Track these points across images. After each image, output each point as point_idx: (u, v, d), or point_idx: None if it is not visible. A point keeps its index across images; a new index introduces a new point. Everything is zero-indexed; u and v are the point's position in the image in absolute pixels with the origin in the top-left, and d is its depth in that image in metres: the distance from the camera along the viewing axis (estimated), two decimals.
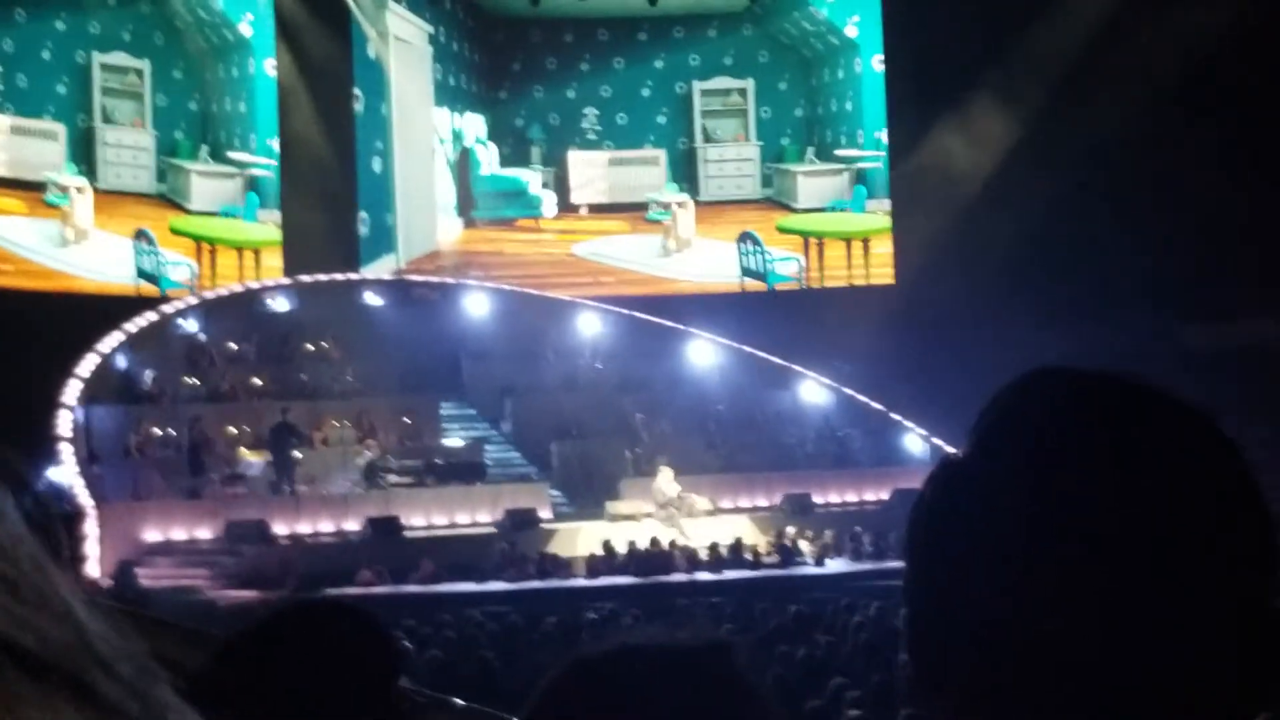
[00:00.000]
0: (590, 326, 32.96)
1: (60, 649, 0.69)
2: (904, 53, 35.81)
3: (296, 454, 26.50)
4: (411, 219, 36.44)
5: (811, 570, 23.71)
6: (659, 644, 1.51)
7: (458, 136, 37.60)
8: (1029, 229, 32.13)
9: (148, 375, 28.82)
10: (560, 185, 37.98)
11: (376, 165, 36.03)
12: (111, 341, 28.13)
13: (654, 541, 24.12)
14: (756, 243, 37.14)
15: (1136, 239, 31.80)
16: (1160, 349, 28.66)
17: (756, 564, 23.81)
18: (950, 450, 1.29)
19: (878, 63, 37.19)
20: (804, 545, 24.81)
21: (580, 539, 24.76)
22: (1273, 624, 1.16)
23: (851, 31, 37.66)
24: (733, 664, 1.50)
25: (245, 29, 34.99)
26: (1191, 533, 1.15)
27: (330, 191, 34.68)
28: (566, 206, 37.86)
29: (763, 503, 27.68)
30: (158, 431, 27.37)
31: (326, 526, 25.50)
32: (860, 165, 37.43)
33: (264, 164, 34.76)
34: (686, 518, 25.50)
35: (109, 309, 29.60)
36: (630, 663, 1.48)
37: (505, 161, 37.84)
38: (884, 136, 37.02)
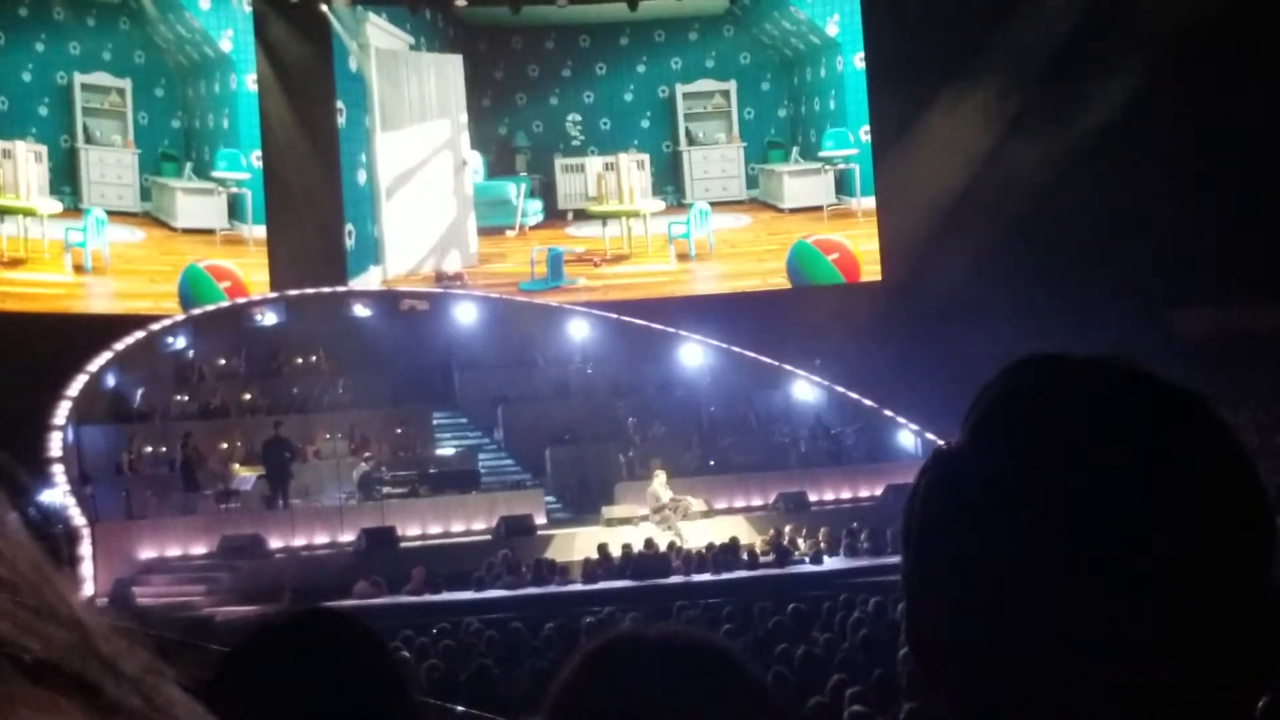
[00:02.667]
0: (580, 331, 32.98)
1: (63, 650, 0.69)
2: (885, 50, 35.83)
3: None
4: (399, 230, 36.45)
5: (808, 568, 23.67)
6: (667, 633, 1.53)
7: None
8: (1014, 221, 32.20)
9: (138, 393, 28.79)
10: (546, 191, 38.01)
11: (361, 177, 36.02)
12: (100, 360, 28.10)
13: (650, 544, 24.11)
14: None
15: (1122, 229, 31.88)
16: (1149, 337, 28.76)
17: (753, 564, 23.77)
18: (942, 442, 1.29)
19: (859, 60, 37.23)
20: (800, 543, 24.80)
21: (576, 544, 24.73)
22: (1272, 602, 1.16)
23: (832, 30, 37.69)
24: (738, 656, 1.53)
25: (225, 45, 34.97)
26: (1188, 513, 1.15)
27: (315, 205, 34.67)
28: (553, 213, 37.88)
29: (757, 502, 27.68)
30: (150, 449, 27.34)
31: (321, 539, 25.48)
32: (840, 165, 37.50)
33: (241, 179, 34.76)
34: (682, 520, 25.49)
35: (96, 328, 29.57)
36: (644, 651, 1.50)
37: (490, 170, 37.85)
38: (866, 134, 37.06)
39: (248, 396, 29.99)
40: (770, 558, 24.15)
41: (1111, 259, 32.12)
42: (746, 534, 25.29)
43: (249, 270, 34.33)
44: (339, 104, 35.71)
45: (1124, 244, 31.91)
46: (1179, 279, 31.93)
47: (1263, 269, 30.99)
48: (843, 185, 37.45)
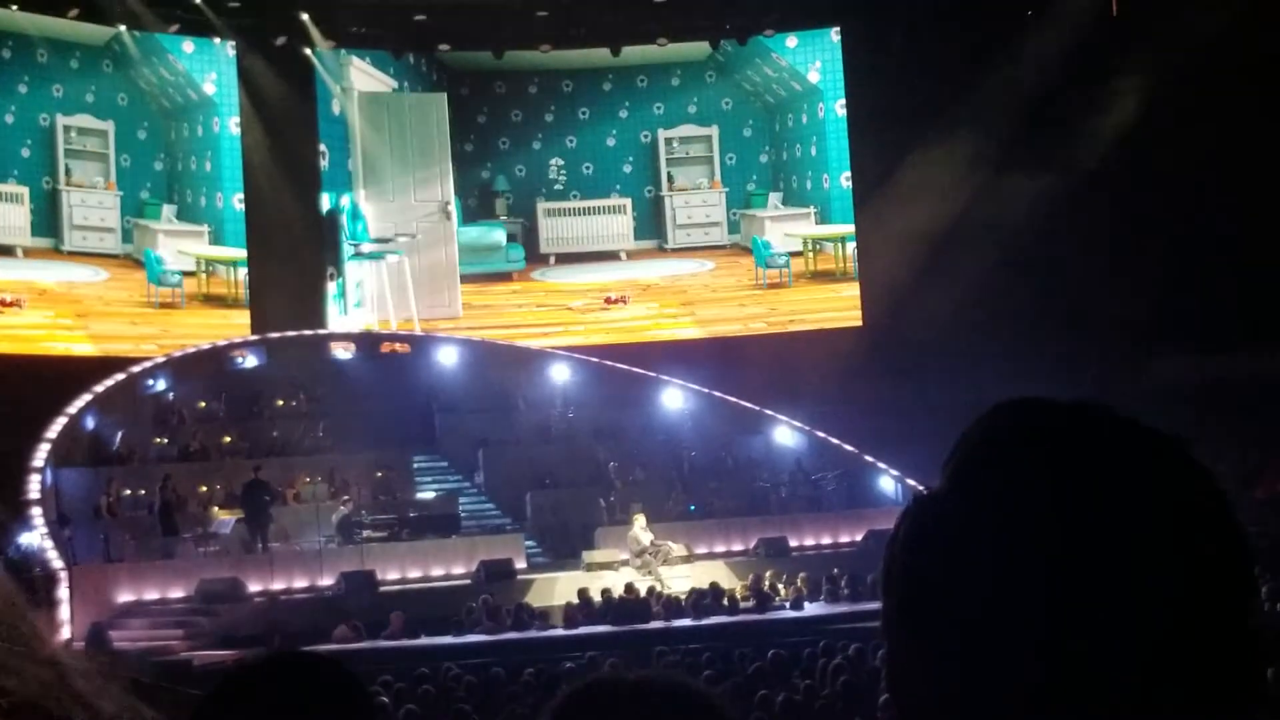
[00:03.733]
0: (562, 375, 32.94)
1: (40, 688, 0.69)
2: (866, 97, 36.02)
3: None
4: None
5: (789, 614, 23.64)
6: (646, 678, 1.54)
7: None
8: (994, 268, 32.27)
9: (117, 436, 28.68)
10: (528, 236, 38.06)
11: (343, 220, 36.01)
12: (79, 403, 27.99)
13: (630, 589, 24.04)
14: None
15: (1103, 275, 31.97)
16: (1129, 384, 28.81)
17: (733, 609, 23.72)
18: (923, 488, 1.29)
19: (840, 107, 37.40)
20: (780, 589, 24.75)
21: (557, 589, 24.66)
22: (1253, 645, 1.16)
23: (814, 77, 37.87)
24: (716, 702, 1.53)
25: (209, 88, 35.03)
26: (1168, 559, 1.15)
27: (296, 247, 34.64)
28: (535, 257, 37.94)
29: (738, 547, 27.62)
30: (128, 492, 27.21)
31: (301, 583, 25.36)
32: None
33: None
34: (662, 565, 25.43)
35: (75, 370, 29.48)
36: (624, 695, 1.51)
37: (471, 214, 37.87)
38: (848, 180, 37.20)
39: (227, 439, 29.90)
40: (751, 603, 24.11)
41: (1092, 305, 32.21)
42: (727, 579, 25.24)
43: (230, 315, 34.36)
44: (322, 147, 35.75)
45: (1105, 290, 32.00)
46: (1159, 326, 32.01)
47: (1243, 317, 31.08)
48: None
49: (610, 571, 25.21)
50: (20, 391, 26.82)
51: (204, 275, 34.91)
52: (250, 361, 31.73)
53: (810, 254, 37.80)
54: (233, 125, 34.95)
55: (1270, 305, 30.59)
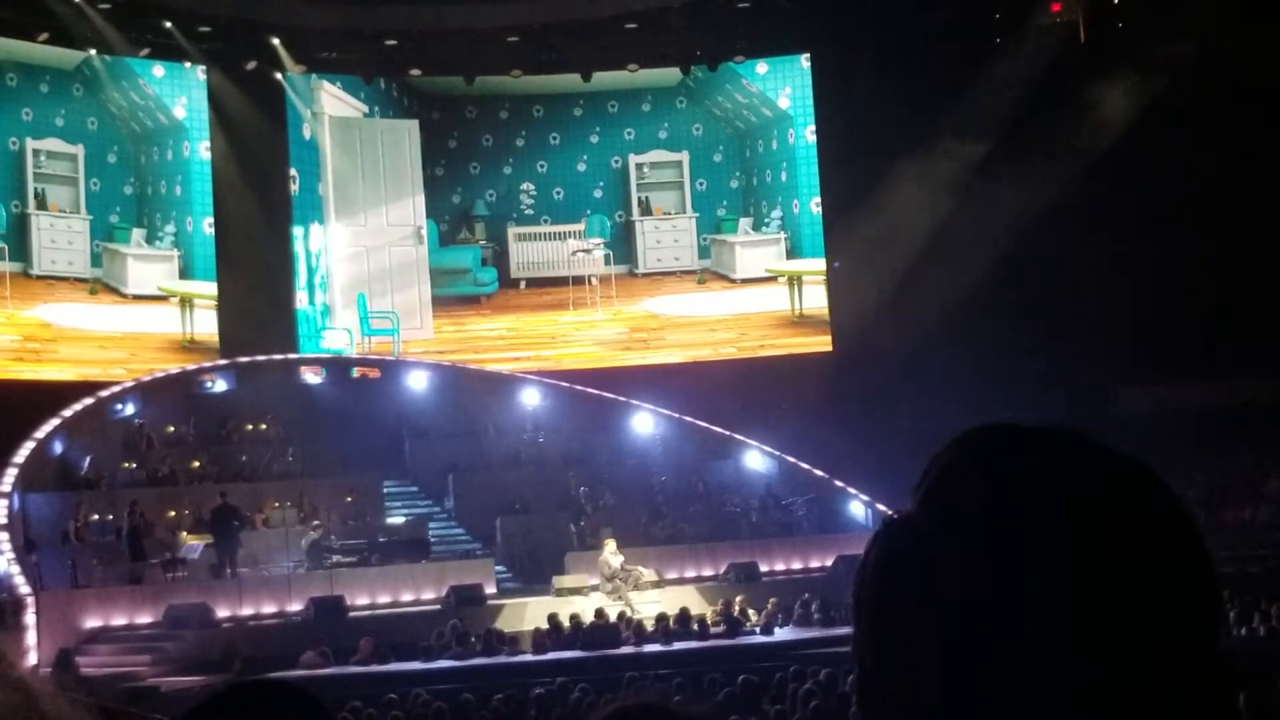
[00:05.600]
0: (532, 400, 32.93)
1: (6, 712, 0.69)
2: (836, 123, 36.15)
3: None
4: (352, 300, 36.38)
5: (759, 639, 23.61)
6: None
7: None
8: (964, 294, 32.40)
9: (85, 461, 28.52)
10: (499, 260, 38.08)
11: (314, 245, 35.97)
12: (47, 427, 27.85)
13: (600, 614, 23.99)
14: None
15: (1072, 305, 32.12)
16: (1097, 412, 28.93)
17: (704, 634, 23.69)
18: (893, 514, 1.29)
19: (810, 134, 37.52)
20: (751, 614, 24.74)
21: (526, 614, 24.59)
22: (1221, 669, 1.16)
23: (784, 103, 38.00)
24: None
25: (179, 112, 34.96)
26: (1137, 583, 1.15)
27: (267, 272, 34.58)
28: (505, 281, 37.95)
29: (708, 572, 27.61)
30: (96, 517, 27.05)
31: (270, 608, 25.23)
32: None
33: None
34: (633, 590, 25.39)
35: (44, 395, 29.33)
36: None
37: (442, 239, 37.88)
38: (817, 206, 37.31)
39: (196, 464, 29.77)
40: (721, 628, 24.08)
41: (1061, 334, 32.36)
42: (697, 604, 25.21)
43: (199, 340, 34.25)
44: (292, 171, 35.72)
45: (1073, 320, 32.15)
46: (1127, 356, 32.16)
47: (1210, 347, 31.25)
48: (794, 257, 37.72)
49: (580, 596, 25.15)
50: None
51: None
52: (219, 386, 31.64)
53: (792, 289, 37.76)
54: (203, 149, 34.90)
55: (1242, 335, 30.79)
